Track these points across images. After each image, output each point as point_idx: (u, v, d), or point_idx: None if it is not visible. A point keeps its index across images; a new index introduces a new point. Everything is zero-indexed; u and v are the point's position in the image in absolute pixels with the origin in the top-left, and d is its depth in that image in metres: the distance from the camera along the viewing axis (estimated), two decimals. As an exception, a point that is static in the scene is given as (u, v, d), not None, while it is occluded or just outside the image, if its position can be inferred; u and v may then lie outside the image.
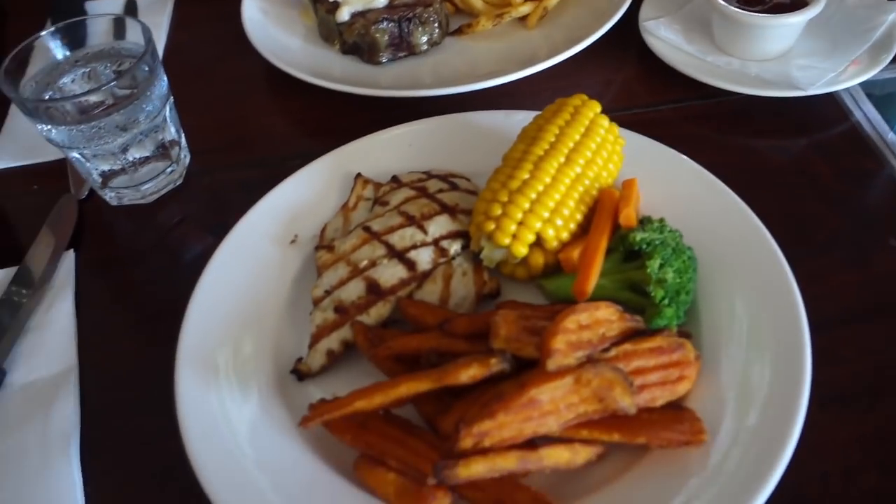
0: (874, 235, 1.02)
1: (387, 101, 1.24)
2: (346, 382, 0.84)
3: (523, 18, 1.38)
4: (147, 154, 1.13)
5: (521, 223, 0.90)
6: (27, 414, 0.92)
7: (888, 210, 1.07)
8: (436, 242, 0.95)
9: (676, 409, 0.78)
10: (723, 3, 1.21)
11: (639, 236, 0.88)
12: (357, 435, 0.79)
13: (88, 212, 1.18)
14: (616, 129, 1.01)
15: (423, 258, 0.94)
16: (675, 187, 1.00)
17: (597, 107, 1.01)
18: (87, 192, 1.20)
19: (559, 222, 0.91)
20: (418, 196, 1.01)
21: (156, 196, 1.18)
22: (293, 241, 1.02)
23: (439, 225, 0.97)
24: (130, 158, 1.11)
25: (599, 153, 0.97)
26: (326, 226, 1.03)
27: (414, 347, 0.84)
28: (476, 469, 0.71)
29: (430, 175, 1.06)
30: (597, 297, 0.85)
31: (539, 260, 0.93)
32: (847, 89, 1.21)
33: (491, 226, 0.90)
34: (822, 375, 0.80)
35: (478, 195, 0.98)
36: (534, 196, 0.91)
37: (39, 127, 1.05)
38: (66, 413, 0.91)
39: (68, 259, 1.10)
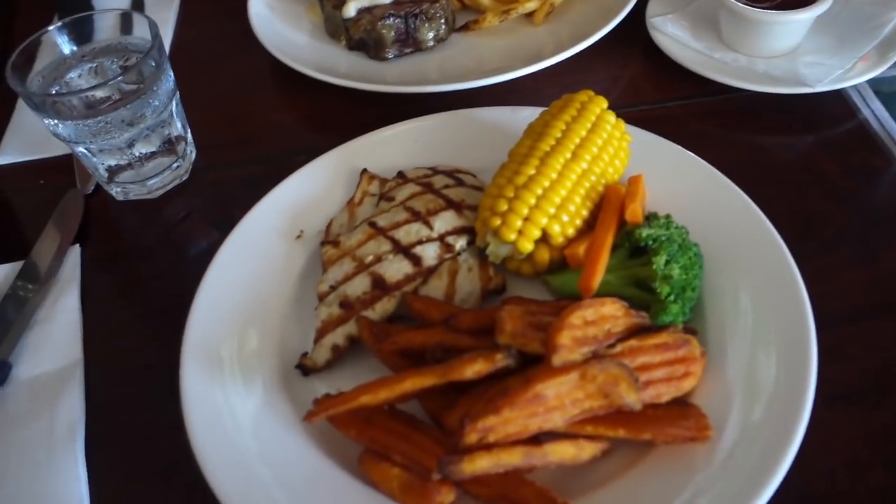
0: (882, 233, 1.02)
1: (393, 97, 1.24)
2: (350, 377, 0.84)
3: (530, 15, 1.37)
4: (153, 149, 1.13)
5: (526, 219, 0.90)
6: (33, 408, 0.92)
7: (896, 207, 1.07)
8: (441, 238, 0.95)
9: (682, 406, 0.78)
10: (730, -1, 1.21)
11: (645, 232, 0.88)
12: (362, 430, 0.79)
13: (94, 207, 1.18)
14: (622, 125, 1.00)
15: (429, 254, 0.94)
16: (681, 184, 1.00)
17: (603, 103, 1.01)
18: (93, 188, 1.20)
19: (565, 218, 0.91)
20: (424, 192, 1.01)
21: (162, 191, 1.18)
22: (299, 237, 1.02)
23: (445, 221, 0.97)
24: (137, 153, 1.11)
25: (606, 149, 0.97)
26: (332, 221, 1.03)
27: (419, 343, 0.84)
28: (481, 464, 0.71)
29: (435, 171, 1.06)
30: (602, 294, 0.85)
31: (545, 256, 0.92)
32: (855, 86, 1.20)
33: (497, 221, 0.90)
34: (828, 372, 0.79)
35: (484, 191, 0.98)
36: (540, 192, 0.91)
37: (46, 121, 1.05)
38: (72, 407, 0.92)
39: (74, 254, 1.10)
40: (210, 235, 1.10)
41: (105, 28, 1.18)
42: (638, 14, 1.33)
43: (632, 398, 0.73)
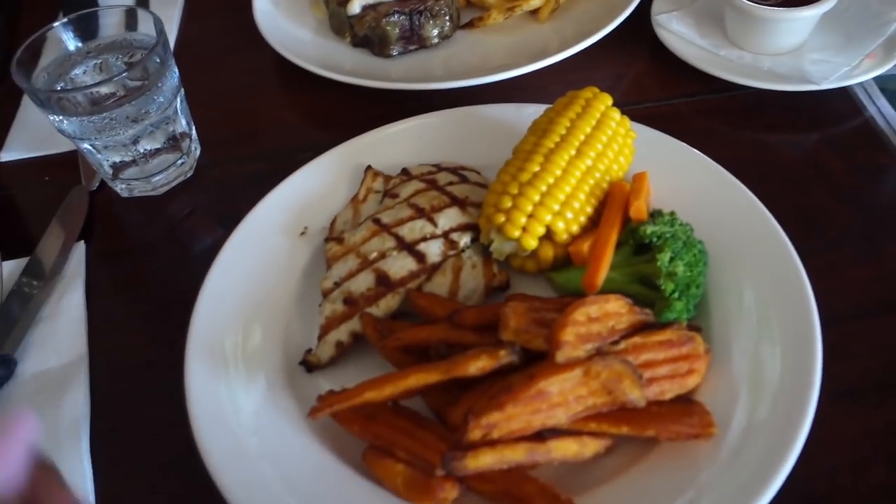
0: (887, 231, 1.02)
1: (397, 94, 1.24)
2: (354, 374, 0.84)
3: (535, 12, 1.37)
4: (158, 146, 1.13)
5: (531, 216, 0.90)
6: (38, 403, 0.92)
7: (901, 205, 1.06)
8: (445, 235, 0.95)
9: (686, 403, 0.78)
10: (736, -4, 1.20)
11: (649, 229, 0.88)
12: (365, 426, 0.79)
13: (99, 203, 1.19)
14: (627, 121, 1.00)
15: (433, 250, 0.94)
16: (686, 181, 1.00)
17: (608, 99, 1.00)
18: (97, 184, 1.20)
19: (569, 215, 0.91)
20: (428, 188, 1.01)
21: (166, 188, 1.18)
22: (303, 233, 1.03)
23: (449, 217, 0.97)
24: (141, 150, 1.11)
25: (610, 146, 0.97)
26: (336, 218, 1.04)
27: (423, 339, 0.84)
28: (484, 460, 0.71)
29: (440, 168, 1.06)
30: (606, 290, 0.85)
31: (549, 253, 0.92)
32: (860, 84, 1.20)
33: (501, 218, 0.90)
34: (832, 370, 0.79)
35: (488, 188, 0.98)
36: (544, 188, 0.91)
37: (51, 118, 1.05)
38: (77, 402, 0.92)
39: (79, 250, 1.10)
40: (214, 232, 1.10)
41: (110, 24, 1.18)
42: (643, 11, 1.33)
43: (635, 395, 0.73)
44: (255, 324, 0.93)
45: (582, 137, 0.95)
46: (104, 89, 1.05)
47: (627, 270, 0.89)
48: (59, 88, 1.09)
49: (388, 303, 0.91)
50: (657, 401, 0.77)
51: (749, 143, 1.16)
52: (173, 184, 1.19)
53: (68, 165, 1.23)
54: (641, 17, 1.32)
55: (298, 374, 0.90)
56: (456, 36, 1.36)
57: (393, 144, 1.11)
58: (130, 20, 1.17)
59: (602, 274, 0.88)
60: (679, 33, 1.28)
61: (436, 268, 0.94)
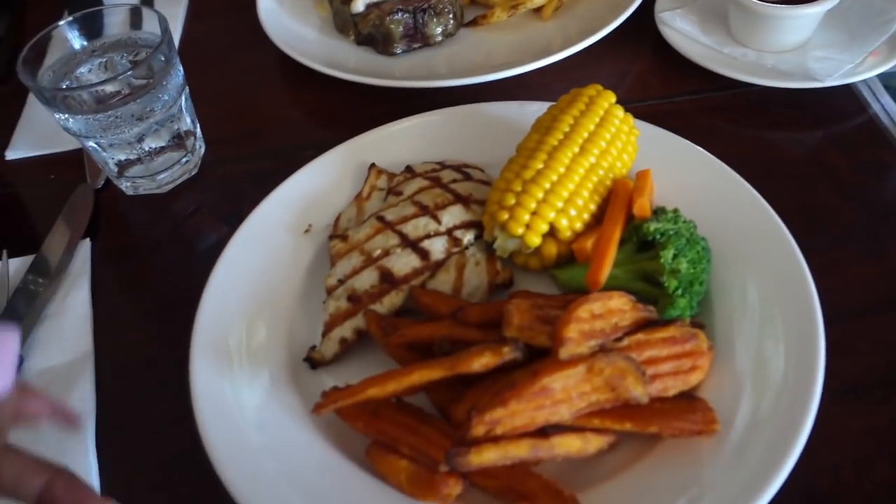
0: (890, 228, 1.02)
1: (401, 92, 1.24)
2: (358, 370, 0.85)
3: (538, 9, 1.37)
4: (163, 144, 1.14)
5: (534, 213, 0.90)
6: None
7: (905, 202, 1.06)
8: (449, 232, 0.96)
9: (689, 399, 0.78)
10: (739, -7, 1.20)
11: (653, 227, 0.88)
12: (369, 422, 0.79)
13: (104, 201, 1.19)
14: (631, 119, 1.00)
15: (437, 248, 0.94)
16: (689, 178, 1.00)
17: (612, 97, 1.01)
18: (103, 182, 1.21)
19: (573, 212, 0.91)
20: (432, 186, 1.01)
21: (171, 186, 1.19)
22: (307, 231, 1.03)
23: (453, 215, 0.97)
24: (146, 148, 1.12)
25: (614, 143, 0.97)
26: (340, 215, 1.04)
27: (426, 336, 0.84)
28: (488, 456, 0.71)
29: (443, 165, 1.06)
30: (610, 288, 0.85)
31: (552, 250, 0.93)
32: (864, 81, 1.20)
33: (504, 215, 0.90)
34: (835, 367, 0.79)
35: (491, 185, 0.98)
36: (548, 186, 0.91)
37: (57, 116, 1.06)
38: (83, 399, 0.93)
39: (84, 248, 1.11)
40: (219, 229, 1.10)
41: (115, 23, 1.18)
42: (646, 9, 1.32)
43: (639, 391, 0.74)
44: (260, 321, 0.93)
45: (585, 135, 0.95)
46: (109, 87, 1.06)
47: (631, 267, 0.90)
48: (64, 87, 1.09)
49: (392, 300, 0.91)
50: (660, 397, 0.77)
51: (753, 141, 1.16)
52: (178, 182, 1.19)
53: (74, 163, 1.24)
54: (645, 14, 1.32)
55: (302, 371, 0.90)
56: (459, 34, 1.36)
57: (397, 142, 1.11)
58: (135, 19, 1.18)
59: (605, 271, 0.88)
60: (683, 31, 1.28)
61: (439, 265, 0.94)
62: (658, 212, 0.92)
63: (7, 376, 0.63)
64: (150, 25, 1.12)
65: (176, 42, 1.44)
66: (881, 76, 1.19)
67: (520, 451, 0.72)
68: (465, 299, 0.91)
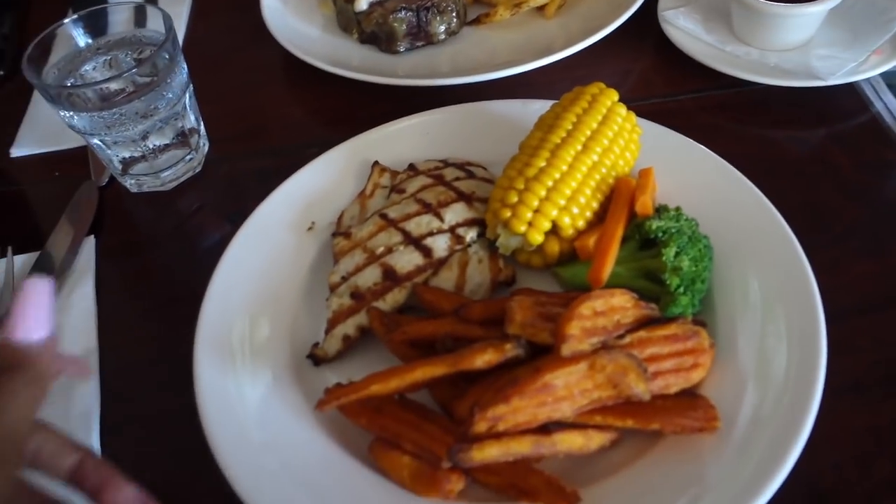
0: (893, 226, 1.02)
1: (404, 91, 1.24)
2: (361, 367, 0.85)
3: (541, 8, 1.37)
4: (167, 141, 1.14)
5: (537, 211, 0.90)
6: (48, 396, 0.93)
7: (908, 201, 1.06)
8: (452, 230, 0.96)
9: (690, 396, 0.78)
10: (742, -8, 1.20)
11: (655, 224, 0.88)
12: (372, 419, 0.80)
13: (109, 198, 1.19)
14: (633, 117, 1.00)
15: (439, 245, 0.95)
16: (691, 176, 1.00)
17: (614, 95, 1.01)
18: (107, 179, 1.21)
19: (575, 210, 0.92)
20: (435, 184, 1.01)
21: (175, 183, 1.19)
22: (310, 229, 1.03)
23: (455, 212, 0.97)
24: (150, 146, 1.12)
25: (616, 141, 0.97)
26: (343, 213, 1.04)
27: (429, 333, 0.84)
28: (490, 453, 0.72)
29: (446, 163, 1.06)
30: (612, 285, 0.85)
31: (555, 247, 0.93)
32: (867, 79, 1.20)
33: (507, 213, 0.90)
34: (836, 365, 0.79)
35: (494, 183, 0.98)
36: (550, 184, 0.91)
37: (61, 113, 1.06)
38: (87, 395, 0.93)
39: (89, 245, 1.11)
40: (222, 227, 1.11)
41: (119, 21, 1.19)
42: (649, 7, 1.32)
43: (640, 388, 0.74)
44: (263, 318, 0.94)
45: (588, 133, 0.96)
46: (114, 85, 1.06)
47: (633, 265, 0.90)
48: (69, 84, 1.10)
49: (395, 297, 0.92)
50: (662, 395, 0.77)
51: (755, 139, 1.16)
52: (182, 179, 1.20)
53: (78, 161, 1.24)
54: (648, 13, 1.32)
55: (306, 368, 0.90)
56: (462, 32, 1.36)
57: (399, 140, 1.11)
58: (139, 17, 1.18)
59: (608, 269, 0.88)
60: (685, 29, 1.28)
61: (442, 262, 0.94)
62: (660, 210, 0.92)
63: (46, 324, 0.64)
64: (155, 23, 1.13)
65: (180, 40, 1.44)
66: (884, 75, 1.19)
67: (522, 447, 0.73)
68: (467, 296, 0.91)
